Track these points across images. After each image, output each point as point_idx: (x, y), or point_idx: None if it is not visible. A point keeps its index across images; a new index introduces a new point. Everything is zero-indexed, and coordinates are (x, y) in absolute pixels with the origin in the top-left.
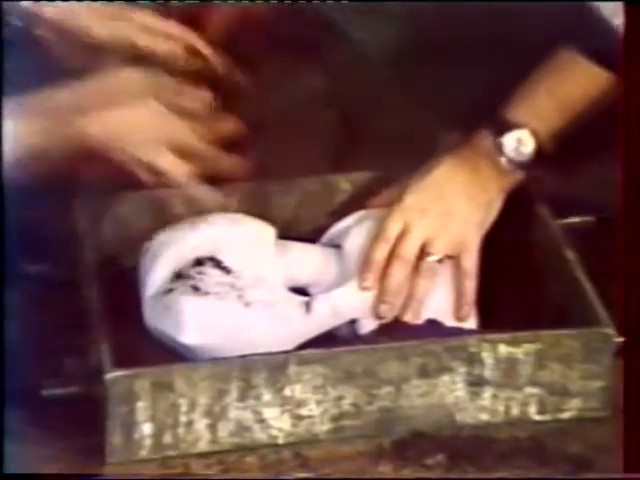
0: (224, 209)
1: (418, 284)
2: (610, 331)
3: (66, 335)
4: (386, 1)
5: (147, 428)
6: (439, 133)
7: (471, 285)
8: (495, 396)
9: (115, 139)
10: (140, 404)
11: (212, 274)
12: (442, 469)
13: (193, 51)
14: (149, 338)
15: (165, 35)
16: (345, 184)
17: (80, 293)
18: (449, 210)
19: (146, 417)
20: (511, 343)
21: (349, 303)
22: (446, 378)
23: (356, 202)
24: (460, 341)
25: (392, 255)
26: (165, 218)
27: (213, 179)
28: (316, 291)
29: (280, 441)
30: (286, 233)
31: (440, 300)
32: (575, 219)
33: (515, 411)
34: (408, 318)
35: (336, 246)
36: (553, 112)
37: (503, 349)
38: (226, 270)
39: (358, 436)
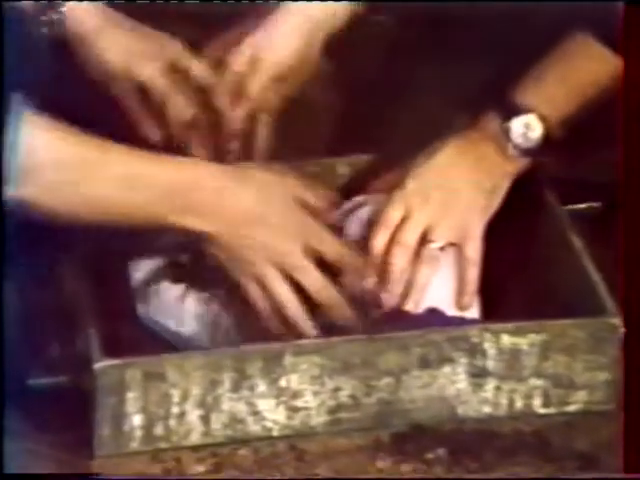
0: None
1: (419, 272)
2: (617, 321)
3: (53, 322)
4: (386, 1)
5: (137, 420)
6: (448, 116)
7: (474, 273)
8: (498, 388)
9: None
10: (130, 395)
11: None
12: (443, 464)
13: None
14: (140, 326)
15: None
16: (344, 167)
17: (68, 279)
18: (452, 196)
19: (137, 408)
20: (515, 333)
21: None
22: (447, 369)
23: (356, 186)
24: (462, 331)
25: (393, 242)
26: None
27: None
28: None
29: (275, 434)
30: None
31: (442, 288)
32: (582, 205)
33: (519, 404)
34: (409, 307)
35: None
36: (563, 97)
37: (506, 339)
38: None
39: (356, 429)
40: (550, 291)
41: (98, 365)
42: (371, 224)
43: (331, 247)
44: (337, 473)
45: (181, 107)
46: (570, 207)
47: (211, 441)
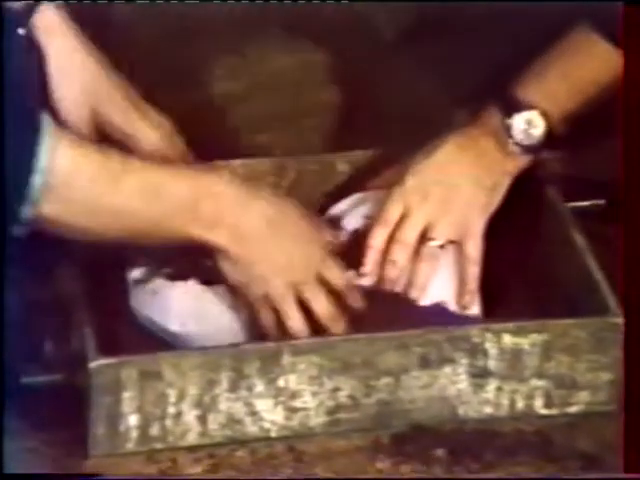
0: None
1: (419, 270)
2: (619, 320)
3: (48, 320)
4: (387, 1)
5: (133, 419)
6: (449, 111)
7: (474, 271)
8: (499, 389)
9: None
10: (126, 394)
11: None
12: (443, 465)
13: None
14: (135, 324)
15: None
16: (343, 164)
17: (64, 277)
18: (452, 193)
19: (132, 408)
20: (516, 333)
21: None
22: (448, 369)
23: (355, 183)
24: (463, 330)
25: (392, 240)
26: None
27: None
28: None
29: (273, 434)
30: None
31: (442, 287)
32: (585, 202)
33: (520, 405)
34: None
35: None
36: (565, 94)
37: (508, 339)
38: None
39: (355, 430)
40: (552, 289)
41: (93, 364)
42: (370, 221)
43: (338, 275)
44: (336, 474)
45: None
46: (573, 204)
47: (208, 442)
